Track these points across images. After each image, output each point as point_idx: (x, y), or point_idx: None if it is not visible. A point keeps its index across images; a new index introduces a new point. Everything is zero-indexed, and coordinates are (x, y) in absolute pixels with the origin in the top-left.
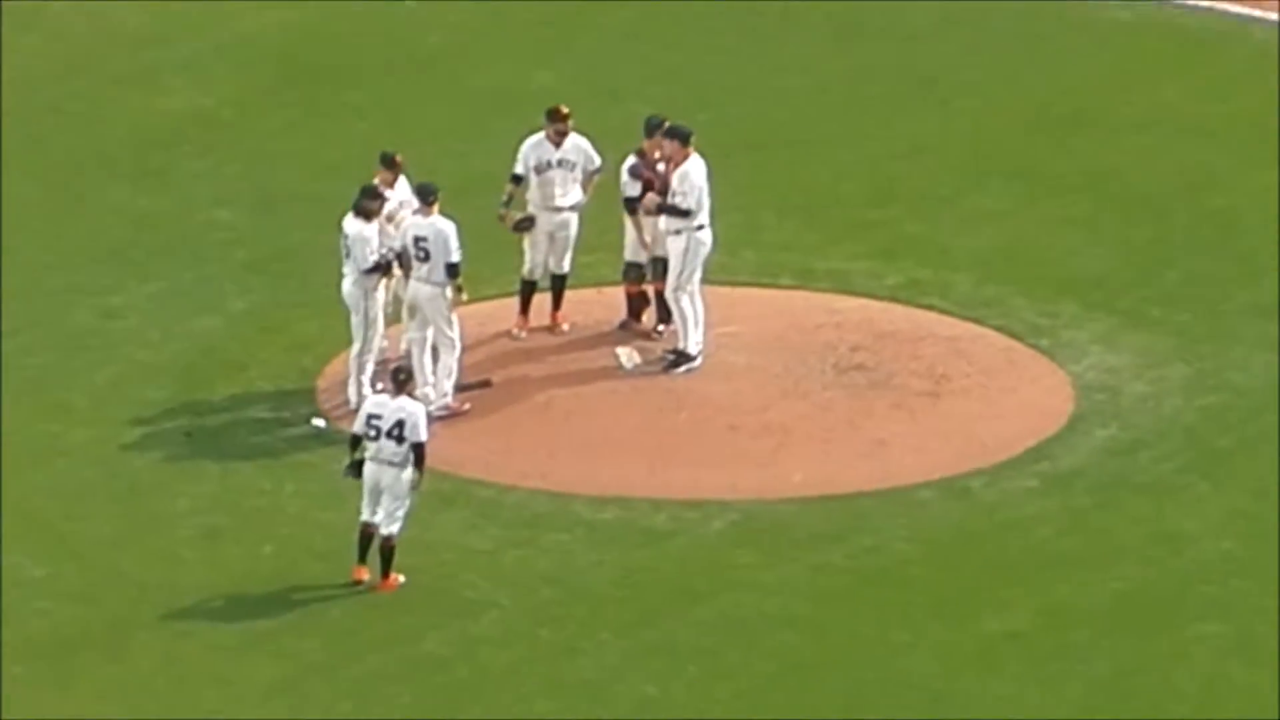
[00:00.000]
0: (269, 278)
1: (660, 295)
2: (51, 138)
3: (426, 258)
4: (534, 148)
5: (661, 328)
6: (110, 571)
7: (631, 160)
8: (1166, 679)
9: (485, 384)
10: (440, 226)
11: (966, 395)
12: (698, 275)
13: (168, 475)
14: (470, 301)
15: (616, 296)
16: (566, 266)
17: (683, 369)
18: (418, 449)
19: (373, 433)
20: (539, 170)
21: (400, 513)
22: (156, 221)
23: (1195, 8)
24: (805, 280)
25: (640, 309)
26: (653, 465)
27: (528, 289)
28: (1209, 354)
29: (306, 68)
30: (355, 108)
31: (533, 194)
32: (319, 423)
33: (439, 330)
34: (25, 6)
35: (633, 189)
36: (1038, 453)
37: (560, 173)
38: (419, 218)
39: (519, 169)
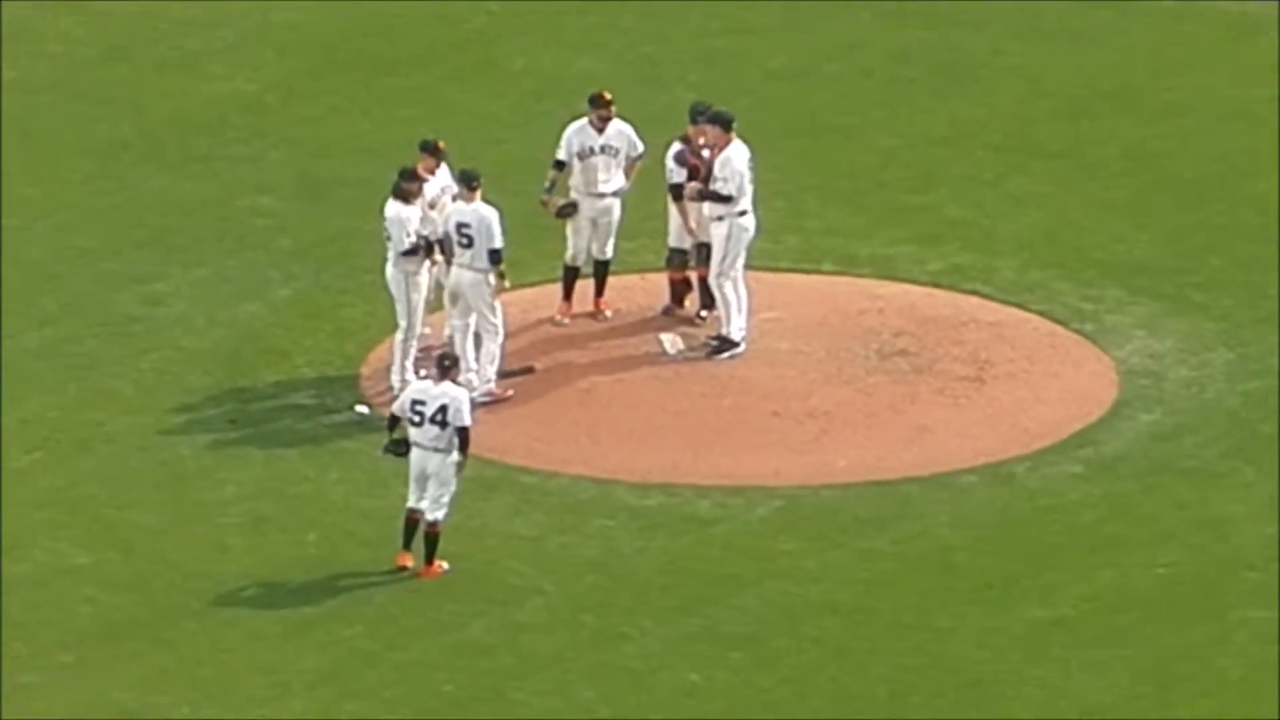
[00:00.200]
0: (313, 264)
1: (704, 281)
2: (96, 124)
3: (469, 244)
4: (577, 133)
5: (705, 313)
6: (156, 559)
7: (677, 146)
8: (1210, 664)
9: (528, 370)
10: (483, 213)
11: (1010, 380)
12: (741, 261)
13: (212, 463)
14: (513, 288)
15: (659, 282)
16: (609, 252)
17: (726, 355)
18: (462, 434)
19: (416, 418)
20: (582, 156)
21: (445, 499)
22: (200, 208)
23: None
24: (848, 266)
25: (683, 294)
26: (696, 451)
27: (570, 275)
28: (1252, 339)
29: (350, 53)
30: (398, 93)
31: (576, 180)
32: (362, 409)
33: (482, 316)
34: None
35: (678, 175)
36: (1081, 438)
37: (603, 158)
38: (461, 204)
39: (562, 155)
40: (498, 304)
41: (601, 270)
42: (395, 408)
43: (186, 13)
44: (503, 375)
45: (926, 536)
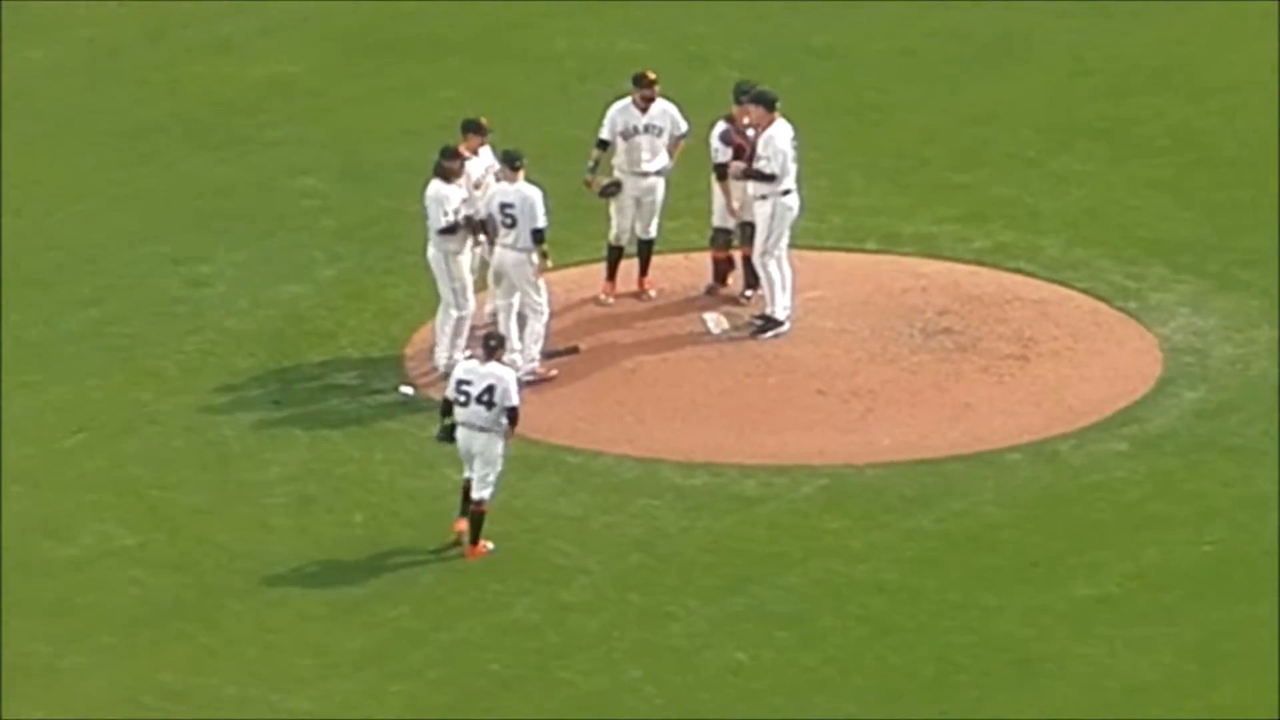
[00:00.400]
0: (357, 245)
1: (747, 260)
2: (136, 106)
3: (513, 224)
4: (621, 113)
5: (749, 293)
6: (201, 540)
7: (722, 126)
8: (1256, 641)
9: (573, 350)
10: (526, 193)
11: (1054, 358)
12: (785, 240)
13: (257, 443)
14: (556, 267)
15: (703, 262)
16: (653, 232)
17: (770, 334)
18: (512, 413)
19: (462, 398)
20: (626, 135)
21: (491, 478)
22: (243, 189)
23: None
24: (892, 244)
25: (726, 274)
26: (741, 430)
27: (614, 254)
28: None
29: (390, 33)
30: (440, 74)
31: (619, 159)
32: (407, 390)
33: (526, 296)
34: None
35: (723, 155)
36: (1126, 415)
37: (647, 138)
38: (505, 184)
39: (605, 134)
40: (542, 283)
41: (645, 250)
42: (448, 393)
43: None
44: (548, 355)
45: (971, 515)
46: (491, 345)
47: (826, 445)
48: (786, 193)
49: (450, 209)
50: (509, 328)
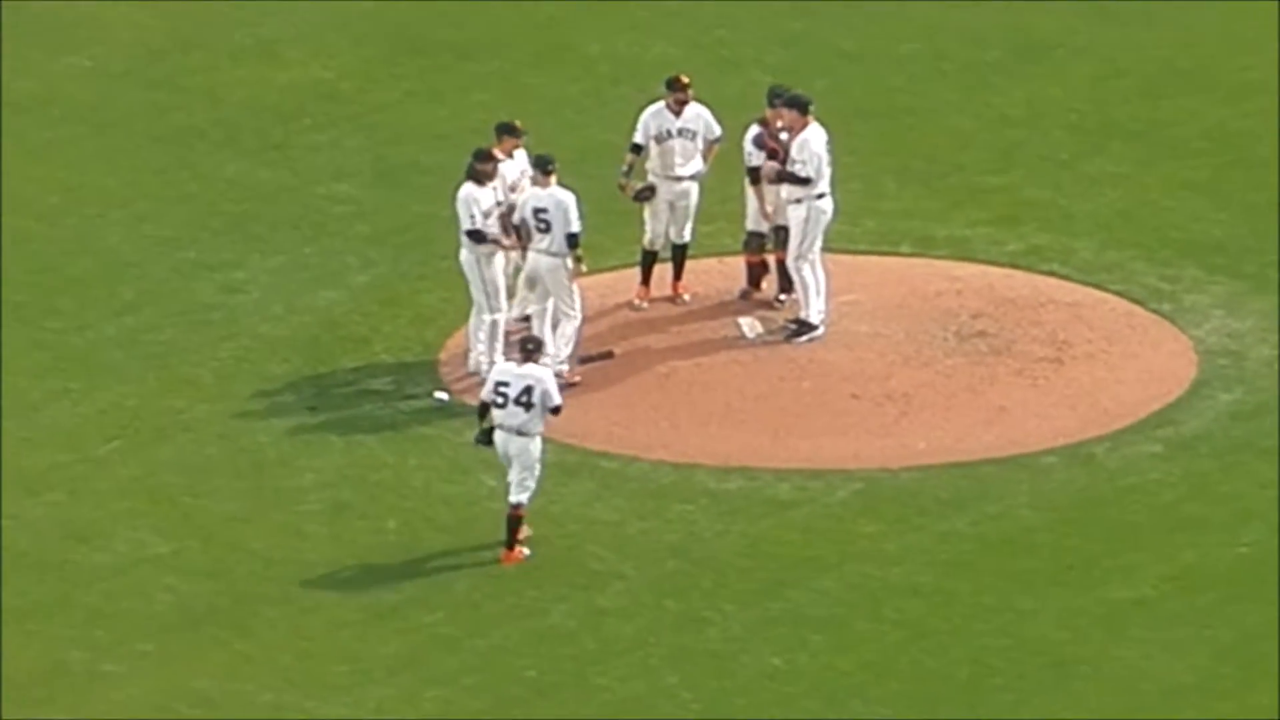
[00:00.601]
0: (391, 250)
1: (781, 264)
2: (171, 112)
3: (547, 229)
4: (654, 117)
5: (783, 297)
6: (235, 547)
7: (755, 129)
8: None
9: (608, 355)
10: (560, 197)
11: (1089, 361)
12: (818, 244)
13: (292, 450)
14: (591, 272)
15: (737, 266)
16: (687, 236)
17: (805, 338)
18: (555, 413)
19: (500, 400)
20: (659, 139)
21: (529, 482)
22: (277, 195)
23: None
24: (926, 247)
25: (760, 278)
26: (775, 434)
27: (649, 259)
28: None
29: (425, 39)
30: (474, 79)
31: (653, 163)
32: (442, 396)
33: (559, 301)
34: None
35: (757, 158)
36: (1161, 418)
37: (681, 142)
38: (538, 189)
39: (639, 138)
40: (575, 288)
41: (679, 254)
42: (485, 395)
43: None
44: (583, 360)
45: (1006, 518)
46: (529, 348)
47: (861, 449)
48: (821, 196)
49: (481, 211)
50: (544, 332)
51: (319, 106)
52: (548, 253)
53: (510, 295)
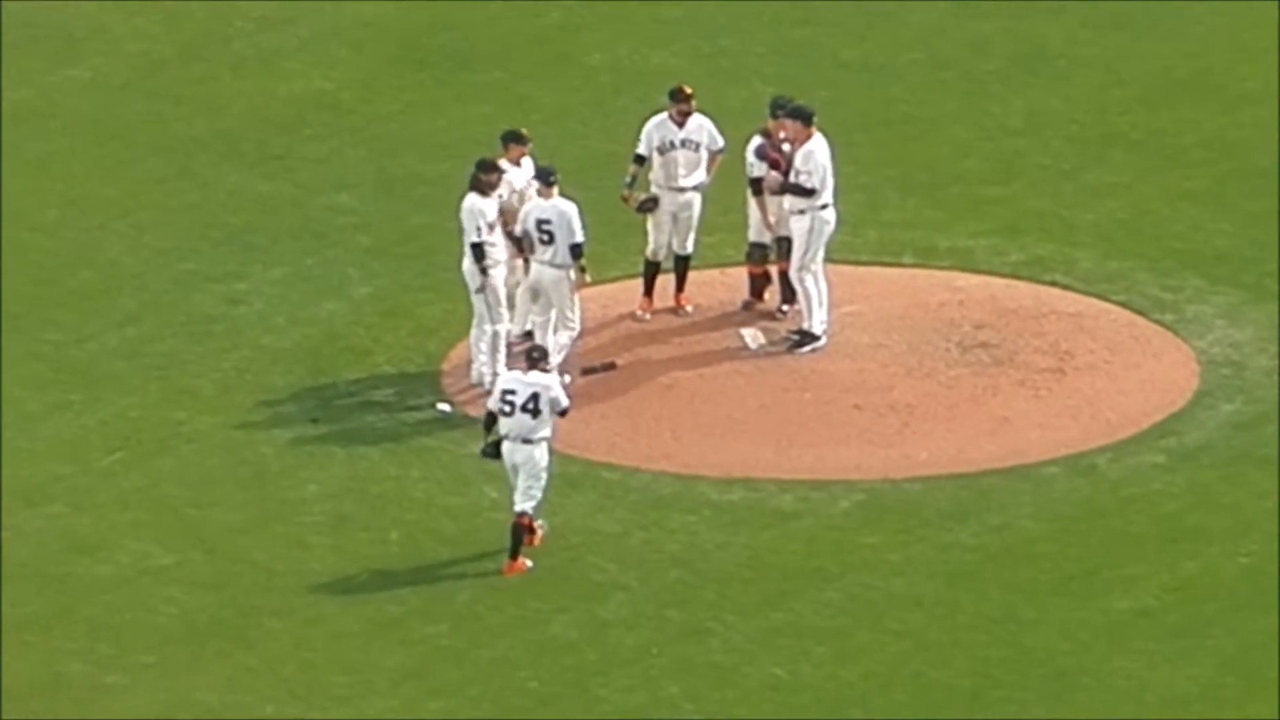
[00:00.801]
0: (392, 262)
1: (784, 275)
2: (172, 123)
3: (550, 240)
4: (657, 128)
5: (785, 308)
6: (238, 559)
7: (757, 141)
8: None
9: (610, 366)
10: (563, 208)
11: (1091, 371)
12: (821, 255)
13: (294, 461)
14: (594, 283)
15: (739, 277)
16: (690, 247)
17: (807, 349)
18: (563, 414)
19: (507, 408)
20: (662, 150)
21: (535, 490)
22: (279, 206)
23: None
24: (928, 258)
25: (762, 289)
26: (778, 446)
27: (651, 270)
28: None
29: (426, 49)
30: (476, 89)
31: (656, 174)
32: (444, 407)
33: (560, 313)
34: None
35: (759, 169)
36: (1163, 428)
37: (684, 153)
38: (540, 200)
39: (642, 149)
40: (577, 300)
41: (682, 265)
42: (491, 405)
43: (262, 10)
44: (585, 371)
45: (1009, 528)
46: (534, 356)
47: (863, 460)
48: (824, 207)
49: (486, 223)
50: (548, 341)
51: (320, 117)
52: (551, 264)
53: (511, 306)
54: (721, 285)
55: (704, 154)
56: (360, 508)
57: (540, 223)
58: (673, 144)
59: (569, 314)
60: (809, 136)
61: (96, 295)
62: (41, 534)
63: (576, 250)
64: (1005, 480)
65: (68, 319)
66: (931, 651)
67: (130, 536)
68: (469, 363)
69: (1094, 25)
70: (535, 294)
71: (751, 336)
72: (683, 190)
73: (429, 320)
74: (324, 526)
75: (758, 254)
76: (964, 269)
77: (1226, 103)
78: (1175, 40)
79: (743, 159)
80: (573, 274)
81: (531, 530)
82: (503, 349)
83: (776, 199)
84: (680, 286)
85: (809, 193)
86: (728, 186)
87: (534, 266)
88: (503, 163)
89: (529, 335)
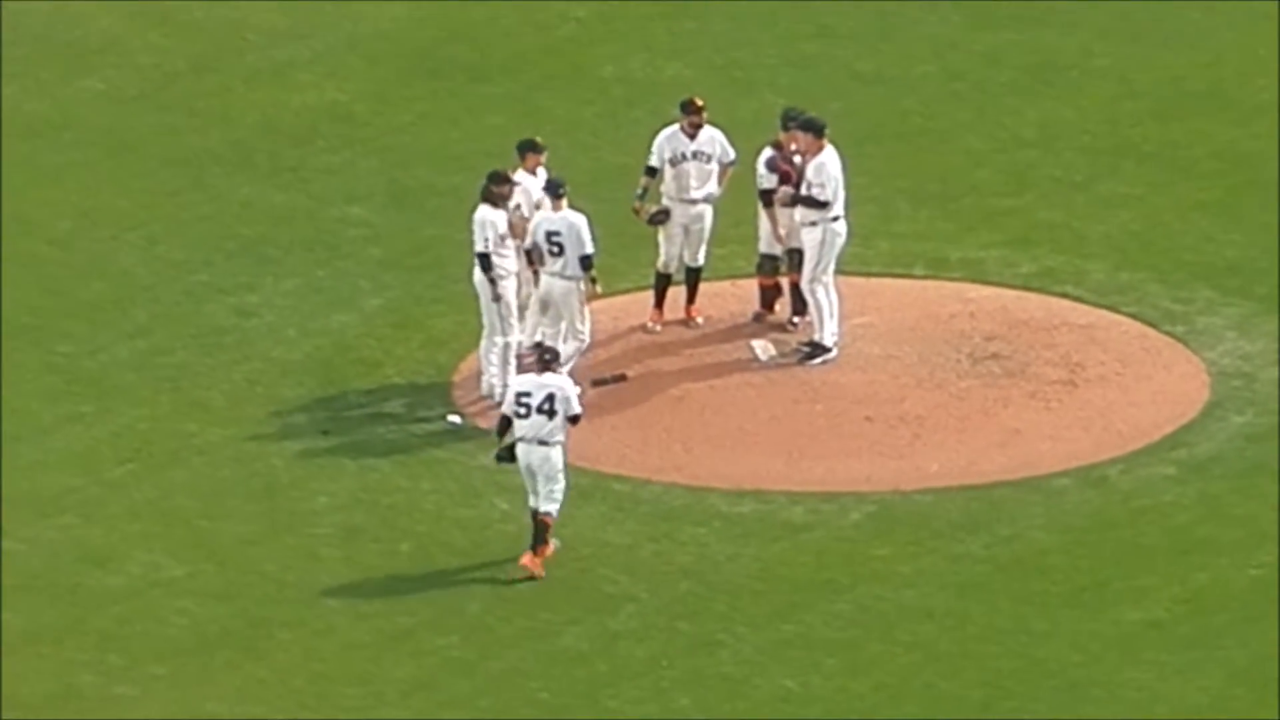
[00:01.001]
0: (404, 273)
1: (795, 287)
2: (185, 135)
3: (560, 252)
4: (669, 140)
5: (796, 319)
6: (249, 570)
7: (768, 153)
8: None
9: (621, 378)
10: (572, 219)
11: (1102, 383)
12: (832, 266)
13: (305, 473)
14: (604, 295)
15: (750, 289)
16: (701, 259)
17: (818, 360)
18: (575, 421)
19: (523, 410)
20: (674, 162)
21: (556, 492)
22: (291, 218)
23: None
24: (939, 270)
25: (773, 300)
26: (789, 457)
27: (662, 282)
28: None
29: (439, 61)
30: (488, 101)
31: (667, 186)
32: (455, 419)
33: (570, 324)
34: (157, 4)
35: (769, 181)
36: (1174, 440)
37: (695, 165)
38: (549, 212)
39: (654, 161)
40: (587, 312)
41: (693, 277)
42: (505, 409)
43: (275, 23)
44: (596, 383)
45: (1020, 540)
46: (547, 359)
47: (874, 471)
48: (836, 219)
49: (497, 234)
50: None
51: (333, 129)
52: (561, 275)
53: (521, 318)
54: (732, 297)
55: (715, 166)
56: (371, 519)
57: (550, 234)
58: (684, 156)
59: (579, 325)
60: (820, 148)
61: (108, 307)
62: (53, 545)
63: (586, 262)
64: (1016, 492)
65: (80, 330)
66: (942, 663)
67: (141, 548)
68: (479, 374)
69: (1106, 37)
70: (545, 306)
71: (762, 348)
72: (694, 202)
73: (440, 332)
74: (335, 538)
75: (768, 266)
76: (975, 280)
77: (1239, 115)
78: (1188, 52)
79: (754, 171)
80: (583, 285)
81: (546, 541)
82: (513, 361)
83: (787, 211)
84: (691, 298)
85: (821, 205)
86: (739, 198)
87: (544, 278)
88: (519, 173)
89: (539, 347)
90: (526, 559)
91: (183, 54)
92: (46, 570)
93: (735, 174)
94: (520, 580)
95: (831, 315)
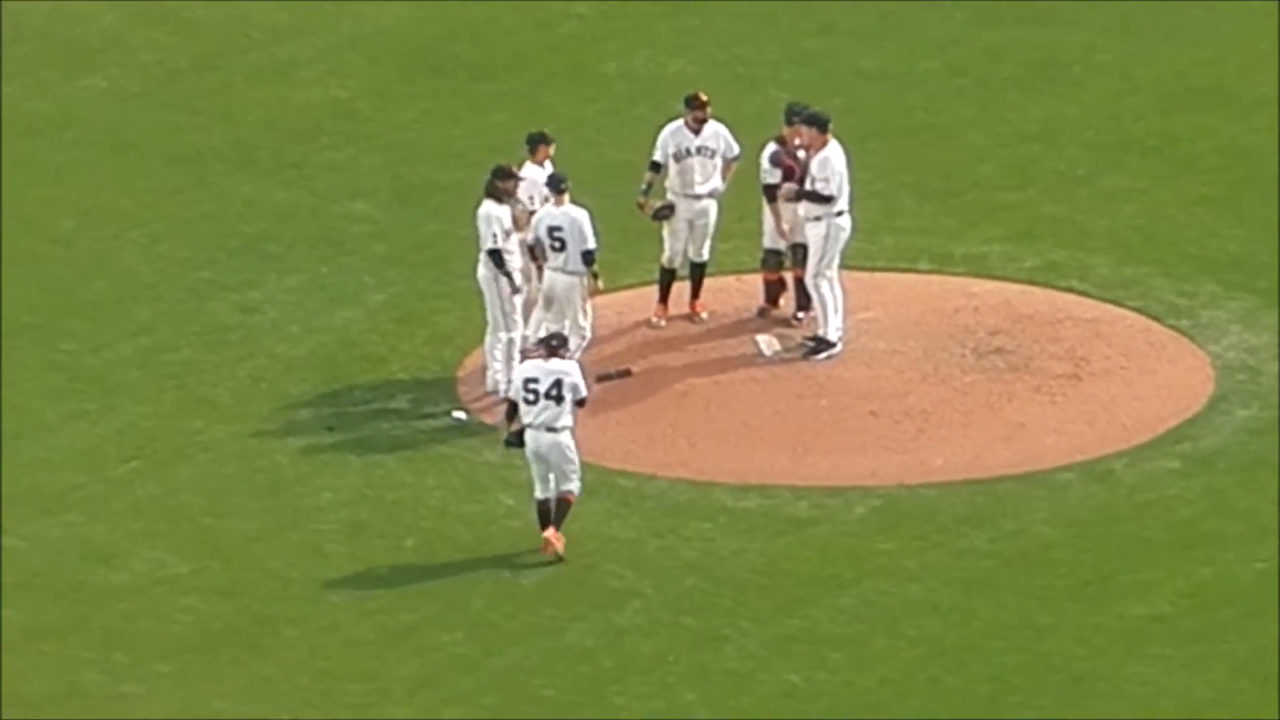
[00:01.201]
0: (408, 269)
1: (799, 282)
2: (188, 133)
3: (562, 247)
4: (673, 135)
5: (801, 314)
6: (254, 567)
7: (772, 147)
8: None
9: (625, 373)
10: (574, 215)
11: (1106, 377)
12: (836, 261)
13: (309, 469)
14: (608, 290)
15: (755, 284)
16: (706, 254)
17: (823, 355)
18: (582, 404)
19: (531, 396)
20: (678, 158)
21: (572, 472)
22: (294, 214)
23: None
24: (943, 264)
25: (777, 295)
26: (793, 452)
27: (667, 277)
28: None
29: (441, 58)
30: (491, 98)
31: (672, 181)
32: (459, 415)
33: (573, 320)
34: (159, 4)
35: (772, 176)
36: (1178, 434)
37: (699, 160)
38: (551, 208)
39: (658, 156)
40: (590, 308)
41: (698, 272)
42: (513, 394)
43: (277, 20)
44: (601, 378)
45: (1025, 534)
46: (553, 344)
47: (879, 466)
48: (840, 214)
49: (503, 229)
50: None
51: (336, 126)
52: (564, 271)
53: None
54: (737, 292)
55: (720, 161)
56: (376, 515)
57: (552, 230)
58: (689, 151)
59: (581, 321)
60: (825, 143)
61: (112, 305)
62: (57, 543)
63: (588, 257)
64: (1021, 486)
65: (83, 328)
66: (947, 657)
67: (146, 545)
68: (484, 370)
69: (1109, 32)
70: (549, 301)
71: (767, 343)
72: (699, 197)
73: (444, 328)
74: (339, 534)
75: (773, 260)
76: (979, 275)
77: (1241, 109)
78: (1190, 47)
79: (758, 166)
80: (586, 281)
81: (561, 519)
82: (517, 356)
83: (791, 206)
84: (696, 293)
85: (825, 199)
86: (743, 193)
87: (547, 274)
88: (528, 165)
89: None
90: (552, 536)
91: (185, 52)
92: (50, 568)
93: (739, 169)
94: (543, 562)
95: (836, 310)
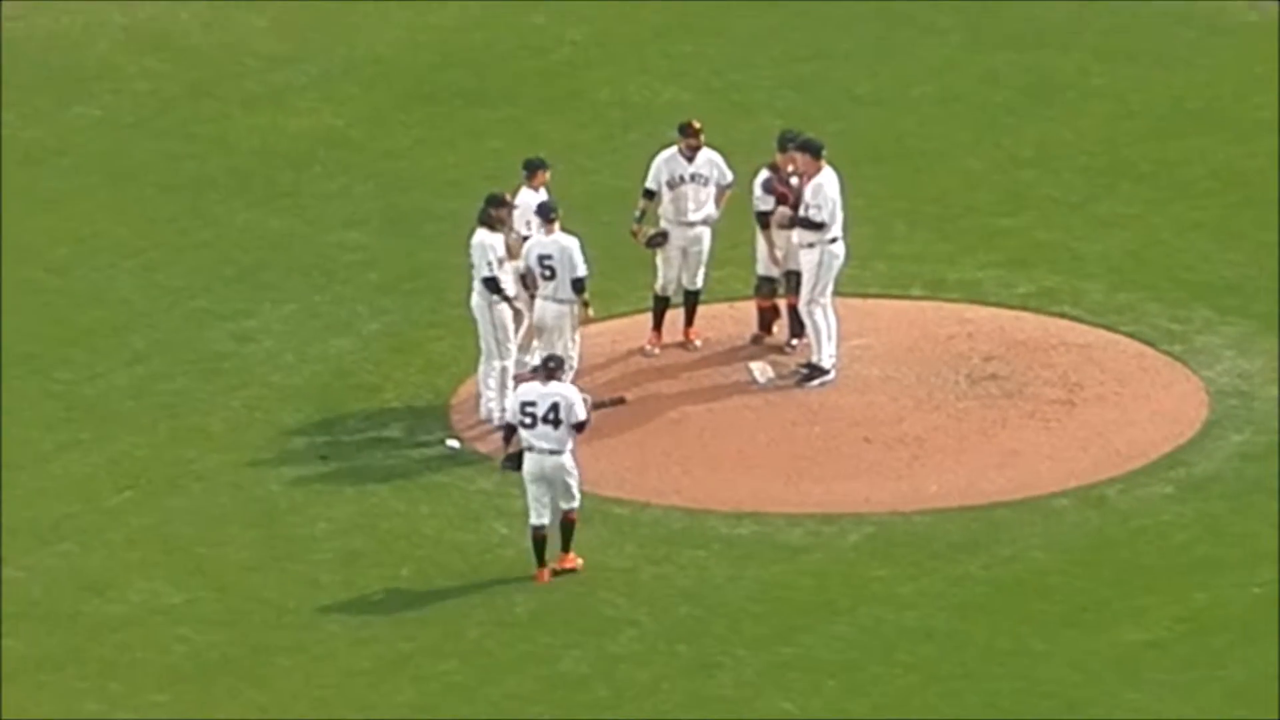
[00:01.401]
0: (401, 298)
1: (792, 309)
2: (183, 161)
3: (552, 275)
4: (666, 162)
5: (794, 341)
6: (248, 596)
7: (764, 174)
8: None
9: (619, 401)
10: (564, 243)
11: (1100, 403)
12: (830, 288)
13: (304, 499)
14: (601, 318)
15: (748, 311)
16: (699, 282)
17: (816, 382)
18: (580, 428)
19: (528, 420)
20: (672, 185)
21: (573, 489)
22: (288, 243)
23: None
24: (937, 290)
25: (771, 322)
26: (788, 480)
27: (660, 305)
28: None
29: (435, 86)
30: (485, 125)
31: (665, 209)
32: (453, 444)
33: (562, 348)
34: (153, 29)
35: (765, 203)
36: (1173, 459)
37: (693, 187)
38: (541, 236)
39: (651, 184)
40: (578, 337)
41: (691, 300)
42: (510, 417)
43: (271, 48)
44: (595, 406)
45: (1019, 560)
46: (551, 367)
47: (873, 493)
48: (834, 241)
49: (496, 257)
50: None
51: (330, 154)
52: (554, 299)
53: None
54: (730, 319)
55: (713, 188)
56: (370, 544)
57: (542, 258)
58: (682, 178)
59: (570, 350)
60: (818, 170)
61: (107, 334)
62: (52, 572)
63: (579, 285)
64: (1015, 512)
65: (78, 357)
66: (942, 684)
67: (141, 575)
68: (478, 398)
69: (1103, 57)
70: (541, 329)
71: (760, 370)
72: (692, 225)
73: (438, 356)
74: (334, 563)
75: (766, 288)
76: (973, 301)
77: (1236, 133)
78: (1185, 72)
79: (750, 192)
80: (576, 309)
81: (567, 541)
82: (510, 385)
83: (784, 233)
84: (689, 321)
85: (818, 226)
86: (736, 220)
87: (538, 302)
88: (523, 192)
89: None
90: (560, 561)
91: (180, 80)
92: (46, 598)
93: (733, 196)
94: (559, 574)
95: (829, 337)
